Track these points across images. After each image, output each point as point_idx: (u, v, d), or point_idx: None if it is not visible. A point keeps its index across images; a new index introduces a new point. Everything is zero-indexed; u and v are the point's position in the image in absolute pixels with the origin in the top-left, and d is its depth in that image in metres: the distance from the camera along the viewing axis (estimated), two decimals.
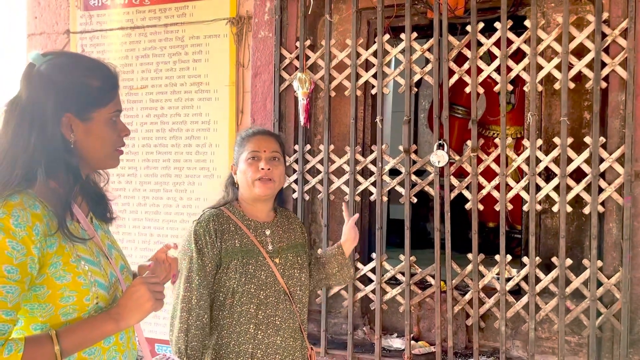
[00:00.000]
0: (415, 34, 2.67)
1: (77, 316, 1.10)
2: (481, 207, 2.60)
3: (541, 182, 2.51)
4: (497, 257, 2.57)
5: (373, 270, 2.75)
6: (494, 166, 2.60)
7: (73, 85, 1.12)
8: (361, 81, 2.75)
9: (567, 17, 2.44)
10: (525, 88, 2.60)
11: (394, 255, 2.80)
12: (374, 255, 2.75)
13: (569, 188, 2.47)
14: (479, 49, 2.59)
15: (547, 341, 2.66)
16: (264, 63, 2.92)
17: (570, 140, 2.46)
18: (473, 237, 2.61)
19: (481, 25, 2.56)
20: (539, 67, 2.49)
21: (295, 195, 2.85)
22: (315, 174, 2.84)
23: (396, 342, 2.81)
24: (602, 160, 2.42)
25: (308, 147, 2.84)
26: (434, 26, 2.60)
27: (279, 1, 2.85)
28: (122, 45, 3.25)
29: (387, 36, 2.70)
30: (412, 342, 2.73)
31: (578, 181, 2.45)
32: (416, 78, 2.68)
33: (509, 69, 2.54)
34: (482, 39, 2.59)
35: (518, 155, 2.61)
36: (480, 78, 2.59)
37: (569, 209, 2.47)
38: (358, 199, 2.78)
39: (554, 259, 2.51)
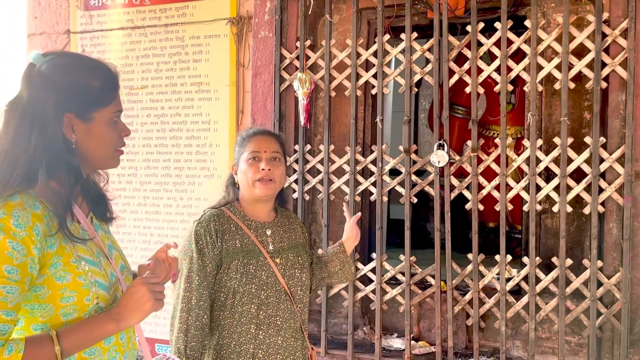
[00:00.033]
0: (415, 34, 2.67)
1: (78, 316, 1.10)
2: (481, 207, 2.60)
3: (541, 182, 2.51)
4: (497, 257, 2.57)
5: (373, 270, 2.75)
6: (494, 166, 2.60)
7: (74, 86, 1.12)
8: (361, 81, 2.75)
9: (567, 17, 2.44)
10: (525, 88, 2.60)
11: (394, 255, 2.80)
12: (374, 255, 2.75)
13: (569, 188, 2.47)
14: (479, 49, 2.59)
15: (547, 341, 2.66)
16: (264, 63, 2.92)
17: (570, 140, 2.46)
18: (473, 237, 2.61)
19: (481, 25, 2.56)
20: (539, 67, 2.49)
21: (295, 195, 2.85)
22: (316, 174, 2.84)
23: (396, 342, 2.81)
24: (602, 160, 2.42)
25: (308, 147, 2.84)
26: (434, 26, 2.60)
27: (279, 1, 2.84)
28: (123, 45, 3.25)
29: (387, 36, 2.70)
30: (412, 342, 2.73)
31: (578, 181, 2.45)
32: (416, 78, 2.68)
33: (509, 69, 2.54)
34: (482, 39, 2.59)
35: (518, 155, 2.61)
36: (481, 78, 2.59)
37: (569, 209, 2.47)
38: (358, 199, 2.78)
39: (554, 259, 2.51)
